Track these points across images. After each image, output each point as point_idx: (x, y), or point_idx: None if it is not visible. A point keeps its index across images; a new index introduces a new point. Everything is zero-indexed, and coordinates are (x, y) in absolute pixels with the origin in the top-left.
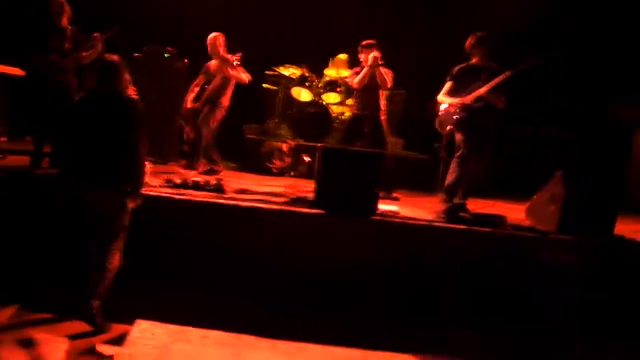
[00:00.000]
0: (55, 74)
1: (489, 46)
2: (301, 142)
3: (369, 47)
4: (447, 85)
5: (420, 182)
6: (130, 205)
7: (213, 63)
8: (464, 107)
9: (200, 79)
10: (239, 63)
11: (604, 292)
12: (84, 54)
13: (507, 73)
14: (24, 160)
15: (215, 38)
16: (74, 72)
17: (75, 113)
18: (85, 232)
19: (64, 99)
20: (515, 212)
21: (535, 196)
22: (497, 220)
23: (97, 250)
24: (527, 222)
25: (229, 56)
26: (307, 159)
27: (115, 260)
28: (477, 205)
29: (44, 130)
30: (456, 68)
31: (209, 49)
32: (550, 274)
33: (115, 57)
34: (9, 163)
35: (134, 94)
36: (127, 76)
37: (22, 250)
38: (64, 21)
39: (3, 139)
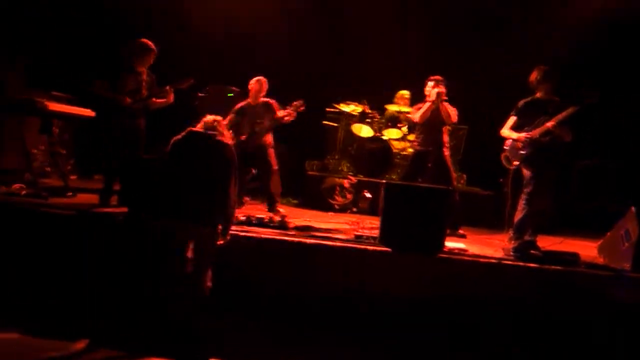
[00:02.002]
0: (126, 116)
1: (554, 80)
2: (362, 177)
3: (436, 82)
4: (512, 119)
5: (485, 218)
6: (221, 241)
7: (251, 105)
8: (531, 142)
9: (231, 119)
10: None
11: None
12: (155, 100)
13: (574, 108)
14: (93, 198)
15: (263, 82)
16: (144, 115)
17: (174, 151)
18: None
19: (134, 140)
20: (585, 249)
21: (608, 233)
22: (569, 258)
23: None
24: (600, 260)
25: (295, 103)
26: (368, 195)
27: (207, 289)
28: (546, 243)
29: (113, 170)
30: (521, 102)
31: (253, 92)
32: (626, 314)
33: (217, 118)
34: (79, 201)
35: (230, 139)
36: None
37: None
38: (144, 64)
39: (73, 177)
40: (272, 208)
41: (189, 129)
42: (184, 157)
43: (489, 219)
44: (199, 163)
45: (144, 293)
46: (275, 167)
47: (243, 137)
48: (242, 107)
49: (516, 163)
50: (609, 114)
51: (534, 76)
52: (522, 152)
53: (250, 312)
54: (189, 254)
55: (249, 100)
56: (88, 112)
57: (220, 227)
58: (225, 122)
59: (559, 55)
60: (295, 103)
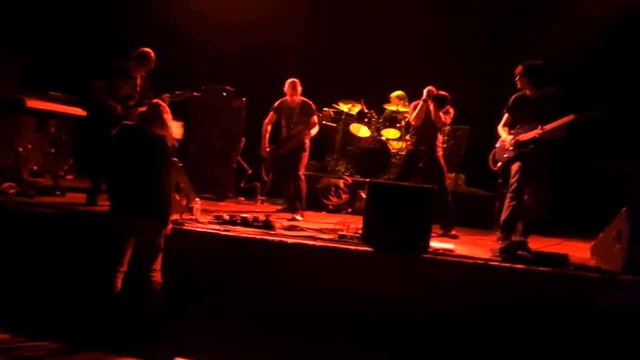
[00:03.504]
0: (117, 118)
1: (538, 76)
2: (358, 178)
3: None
4: (505, 116)
5: (483, 219)
6: (164, 231)
7: (288, 104)
8: (517, 144)
9: (272, 117)
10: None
11: None
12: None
13: (571, 117)
14: (82, 197)
15: (296, 83)
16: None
17: (115, 149)
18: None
19: None
20: (582, 251)
21: (600, 234)
22: (558, 260)
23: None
24: (592, 262)
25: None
26: (364, 195)
27: (158, 277)
28: (541, 244)
29: (101, 169)
30: (511, 98)
31: (290, 90)
32: (614, 317)
33: (159, 102)
34: (68, 200)
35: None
36: (167, 119)
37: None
38: (140, 71)
39: (70, 176)
40: (292, 210)
41: (122, 122)
42: (121, 152)
43: (487, 220)
44: (134, 156)
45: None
46: (300, 172)
47: (283, 139)
48: (279, 104)
49: (500, 165)
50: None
51: (516, 72)
52: (506, 155)
53: (225, 312)
54: (129, 251)
55: (285, 98)
56: (78, 112)
57: (159, 218)
58: (266, 120)
59: (564, 54)
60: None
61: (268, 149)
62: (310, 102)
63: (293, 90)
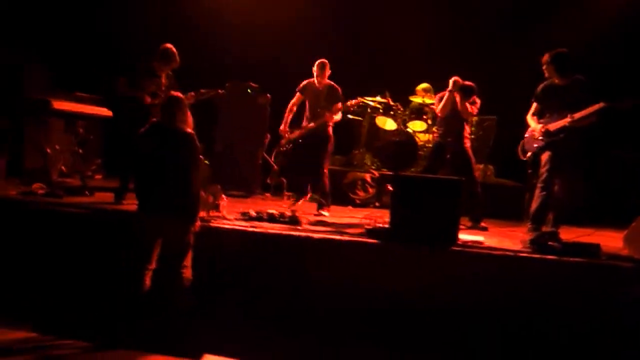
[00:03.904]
0: (144, 116)
1: (565, 64)
2: (385, 171)
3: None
4: (533, 105)
5: (513, 210)
6: (192, 229)
7: (315, 86)
8: (547, 134)
9: (298, 98)
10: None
11: None
12: None
13: (601, 105)
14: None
15: (325, 64)
16: None
17: (140, 147)
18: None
19: None
20: (615, 241)
21: (633, 223)
22: (590, 250)
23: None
24: (625, 251)
25: (352, 101)
26: (391, 189)
27: (188, 273)
28: (573, 234)
29: (129, 168)
30: (539, 87)
31: (318, 71)
32: None
33: (179, 94)
34: (96, 200)
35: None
36: (188, 113)
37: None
38: (164, 69)
39: (98, 176)
40: (319, 207)
41: (151, 120)
42: (148, 149)
43: (517, 212)
44: (162, 154)
45: (129, 289)
46: (325, 168)
47: (307, 124)
48: (305, 85)
49: (529, 155)
50: None
51: (543, 61)
52: (536, 144)
53: (253, 309)
54: (157, 249)
55: (314, 80)
56: (105, 112)
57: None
58: (292, 102)
59: (593, 43)
60: (353, 102)
61: (288, 132)
62: (338, 87)
63: (322, 71)
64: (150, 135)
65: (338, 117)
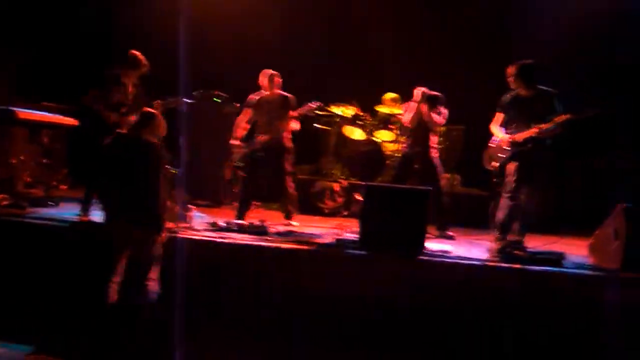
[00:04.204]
0: (111, 127)
1: (532, 75)
2: (354, 181)
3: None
4: (499, 116)
5: (480, 219)
6: (159, 240)
7: (267, 98)
8: (514, 144)
9: (247, 114)
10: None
11: None
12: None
13: (567, 116)
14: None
15: (275, 74)
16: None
17: (106, 157)
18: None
19: None
20: (580, 249)
21: (597, 231)
22: (555, 258)
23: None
24: (590, 260)
25: (310, 104)
26: (359, 198)
27: (155, 286)
28: (539, 243)
29: (95, 179)
30: (504, 98)
31: (268, 84)
32: (614, 316)
33: (154, 111)
34: (62, 210)
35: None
36: (161, 128)
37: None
38: (132, 76)
39: (64, 187)
40: (287, 216)
41: (115, 131)
42: (114, 160)
43: (484, 220)
44: (126, 164)
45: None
46: (289, 176)
47: (262, 138)
48: (257, 101)
49: (495, 164)
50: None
51: (509, 73)
52: (503, 154)
53: (223, 319)
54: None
55: (263, 93)
56: (71, 121)
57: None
58: (240, 118)
59: (558, 53)
60: (311, 104)
61: (239, 147)
62: (291, 96)
63: (271, 83)
64: (115, 145)
65: (295, 125)
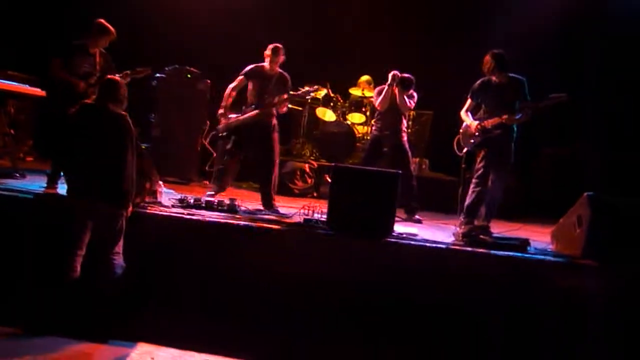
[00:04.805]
0: (79, 98)
1: (505, 63)
2: (324, 162)
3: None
4: (468, 102)
5: (447, 204)
6: (124, 214)
7: (266, 72)
8: (482, 130)
9: (240, 82)
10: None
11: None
12: None
13: (535, 104)
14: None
15: (281, 48)
16: None
17: (71, 128)
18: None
19: None
20: (543, 236)
21: (561, 219)
22: (519, 244)
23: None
24: (553, 247)
25: (309, 88)
26: (329, 179)
27: (120, 260)
28: (503, 228)
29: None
30: (475, 84)
31: (272, 56)
32: (573, 302)
33: (116, 77)
34: (28, 182)
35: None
36: (124, 97)
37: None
38: (99, 45)
39: (30, 158)
40: (268, 205)
41: (81, 101)
42: (79, 131)
43: (451, 205)
44: (92, 136)
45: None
46: (277, 157)
47: (251, 112)
48: (253, 70)
49: (466, 150)
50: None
51: (485, 60)
52: (472, 140)
53: (189, 297)
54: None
55: (264, 65)
56: (38, 92)
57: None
58: (233, 85)
59: (527, 41)
60: (308, 88)
61: (226, 117)
62: (288, 77)
63: (276, 56)
64: (81, 116)
65: (285, 108)
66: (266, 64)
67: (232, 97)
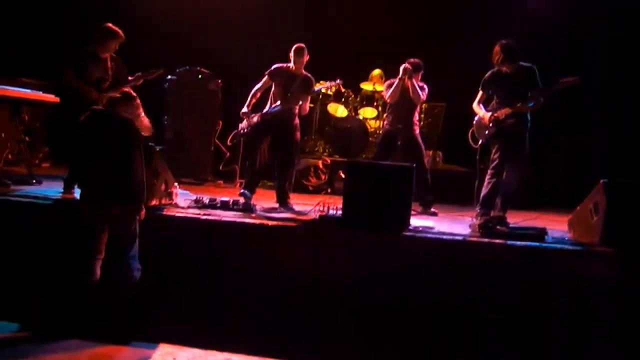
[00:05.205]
0: (91, 103)
1: (516, 54)
2: (337, 158)
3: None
4: (479, 94)
5: (462, 196)
6: (137, 217)
7: (291, 73)
8: (495, 121)
9: (265, 83)
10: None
11: None
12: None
13: (547, 90)
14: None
15: (305, 49)
16: None
17: (83, 134)
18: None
19: None
20: (560, 225)
21: (578, 207)
22: (536, 233)
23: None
24: (570, 235)
25: (331, 82)
26: (343, 175)
27: (136, 262)
28: (520, 218)
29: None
30: (486, 75)
31: (295, 57)
32: (591, 290)
33: (131, 92)
34: (45, 188)
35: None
36: (138, 109)
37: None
38: (109, 49)
39: (46, 164)
40: (283, 202)
41: (91, 108)
42: (90, 137)
43: (466, 197)
44: (102, 141)
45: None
46: (296, 156)
47: (274, 109)
48: (277, 70)
49: (480, 142)
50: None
51: (494, 51)
52: (486, 132)
53: (207, 297)
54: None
55: (289, 65)
56: (51, 98)
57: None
58: (259, 86)
59: (537, 32)
60: (332, 82)
61: (249, 116)
62: (313, 79)
63: (300, 57)
64: (90, 122)
65: (306, 110)
66: (291, 64)
67: (256, 97)
